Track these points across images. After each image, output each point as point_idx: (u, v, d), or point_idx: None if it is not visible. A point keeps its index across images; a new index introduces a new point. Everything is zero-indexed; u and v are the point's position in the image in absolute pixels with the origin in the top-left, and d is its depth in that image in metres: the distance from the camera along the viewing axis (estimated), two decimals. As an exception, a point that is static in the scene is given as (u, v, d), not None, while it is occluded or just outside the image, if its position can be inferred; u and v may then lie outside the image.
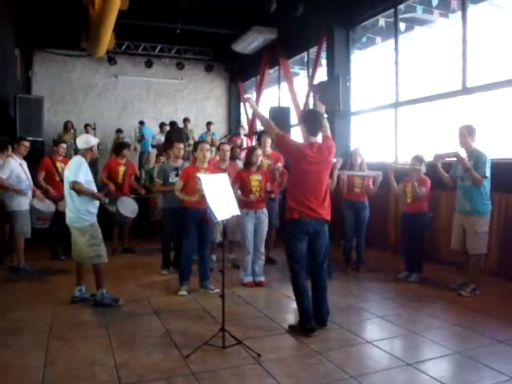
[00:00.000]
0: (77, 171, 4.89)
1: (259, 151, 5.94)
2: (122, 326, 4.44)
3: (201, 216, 5.44)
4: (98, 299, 5.06)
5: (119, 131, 11.93)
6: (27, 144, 6.72)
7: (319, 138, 4.37)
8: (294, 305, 5.21)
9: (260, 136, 6.99)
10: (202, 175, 3.76)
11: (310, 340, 4.07)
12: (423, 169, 5.77)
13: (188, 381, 3.31)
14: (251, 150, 5.97)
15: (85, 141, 5.13)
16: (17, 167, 6.32)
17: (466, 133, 5.32)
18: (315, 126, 4.29)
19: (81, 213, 4.93)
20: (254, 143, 12.42)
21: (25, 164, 6.60)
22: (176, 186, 5.64)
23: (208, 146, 5.80)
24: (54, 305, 5.09)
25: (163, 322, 4.54)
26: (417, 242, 5.83)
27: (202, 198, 5.30)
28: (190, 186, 5.45)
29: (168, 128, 11.63)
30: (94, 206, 5.07)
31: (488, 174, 5.15)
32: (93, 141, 5.20)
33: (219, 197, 3.80)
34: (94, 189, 5.11)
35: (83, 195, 4.91)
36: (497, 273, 5.87)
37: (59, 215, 6.90)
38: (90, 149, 5.10)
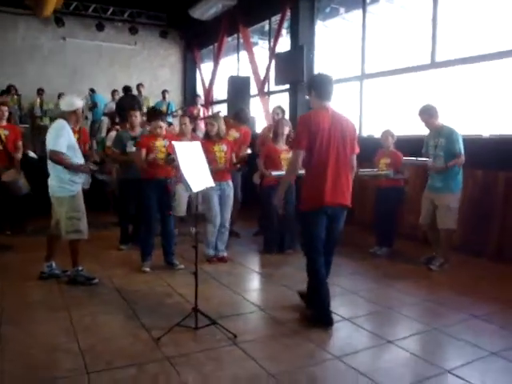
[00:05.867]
0: (56, 137, 4.40)
1: (214, 121, 5.52)
2: (84, 307, 4.11)
3: (162, 186, 5.16)
4: (71, 276, 4.71)
5: (62, 94, 11.12)
6: None
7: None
8: (261, 279, 5.08)
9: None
10: (175, 142, 3.43)
11: (285, 319, 3.90)
12: (391, 174, 5.63)
13: (162, 366, 3.06)
14: (206, 121, 5.66)
15: (68, 103, 4.63)
16: None
17: (428, 117, 5.27)
18: (326, 89, 3.77)
19: (63, 182, 4.48)
20: (210, 113, 12.06)
21: None
22: (139, 155, 5.21)
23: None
24: (1, 284, 4.66)
25: (128, 301, 4.23)
26: (390, 216, 5.77)
27: (169, 166, 5.06)
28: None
29: (121, 95, 11.04)
30: (79, 176, 4.61)
31: (462, 150, 5.11)
32: (78, 103, 4.68)
33: (193, 167, 3.50)
34: (79, 155, 4.63)
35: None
36: (460, 248, 5.88)
37: (3, 186, 6.36)
38: (75, 112, 4.61)
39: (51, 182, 4.58)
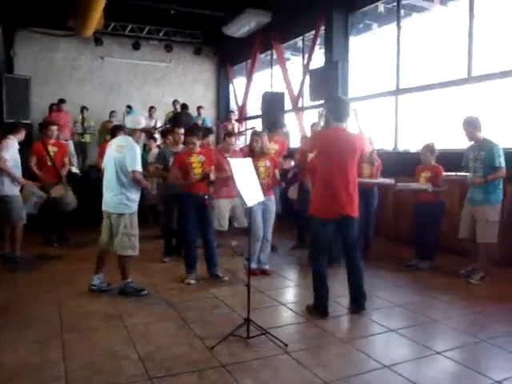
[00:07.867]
0: (134, 157, 4.62)
1: (258, 137, 5.66)
2: (136, 317, 4.28)
3: (199, 202, 5.31)
4: (121, 287, 4.89)
5: (114, 112, 11.52)
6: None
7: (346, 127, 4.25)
8: (304, 292, 5.17)
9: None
10: (231, 159, 3.61)
11: (333, 328, 4.00)
12: (429, 188, 5.68)
13: (220, 373, 3.20)
14: (251, 137, 5.80)
15: (135, 121, 4.91)
16: (16, 152, 6.00)
17: (472, 129, 5.32)
18: (341, 112, 4.15)
19: (128, 200, 4.71)
20: (243, 128, 12.26)
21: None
22: (172, 174, 5.44)
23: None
24: (57, 294, 4.89)
25: (178, 311, 4.39)
26: (432, 230, 5.79)
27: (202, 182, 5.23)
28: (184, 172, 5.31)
29: (155, 111, 11.44)
30: (139, 194, 4.87)
31: (503, 163, 5.14)
32: (143, 121, 5.01)
33: (246, 182, 3.66)
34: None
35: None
36: (499, 262, 5.84)
37: (52, 201, 6.64)
38: (140, 130, 4.91)
39: (114, 198, 4.70)
